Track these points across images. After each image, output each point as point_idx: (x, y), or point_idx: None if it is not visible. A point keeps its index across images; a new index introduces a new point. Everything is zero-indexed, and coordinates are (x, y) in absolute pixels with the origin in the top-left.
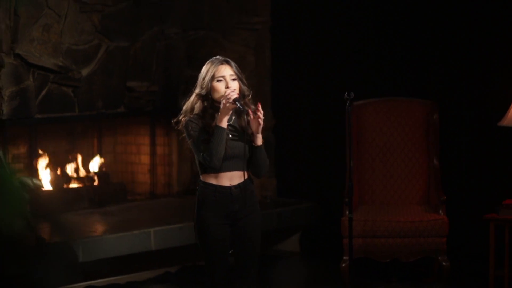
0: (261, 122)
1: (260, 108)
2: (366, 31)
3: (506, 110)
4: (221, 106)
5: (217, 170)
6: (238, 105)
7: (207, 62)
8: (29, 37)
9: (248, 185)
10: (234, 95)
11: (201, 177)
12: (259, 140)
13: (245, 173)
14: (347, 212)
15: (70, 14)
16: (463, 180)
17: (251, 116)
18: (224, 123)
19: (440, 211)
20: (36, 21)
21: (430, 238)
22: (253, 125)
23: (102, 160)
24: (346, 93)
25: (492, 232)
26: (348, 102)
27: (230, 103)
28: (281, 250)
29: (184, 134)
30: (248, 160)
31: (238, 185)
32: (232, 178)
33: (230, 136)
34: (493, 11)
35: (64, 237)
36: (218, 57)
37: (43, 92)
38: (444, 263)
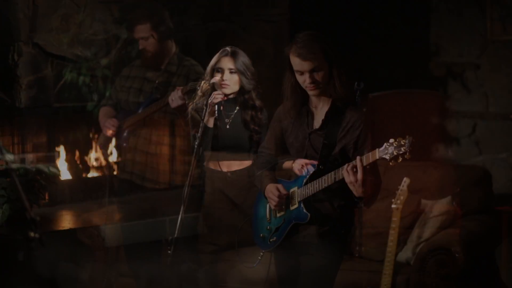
0: None
1: None
2: (385, 24)
3: None
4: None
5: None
6: (216, 112)
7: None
8: (47, 27)
9: (250, 172)
10: (219, 98)
11: (205, 162)
12: None
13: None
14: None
15: (89, 4)
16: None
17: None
18: (210, 123)
19: (454, 203)
20: (55, 11)
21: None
22: None
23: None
24: (356, 83)
25: (505, 223)
26: (358, 92)
27: (212, 106)
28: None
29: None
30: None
31: (235, 171)
32: (230, 166)
33: (228, 127)
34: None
35: None
36: (227, 48)
37: (62, 82)
38: (457, 255)
